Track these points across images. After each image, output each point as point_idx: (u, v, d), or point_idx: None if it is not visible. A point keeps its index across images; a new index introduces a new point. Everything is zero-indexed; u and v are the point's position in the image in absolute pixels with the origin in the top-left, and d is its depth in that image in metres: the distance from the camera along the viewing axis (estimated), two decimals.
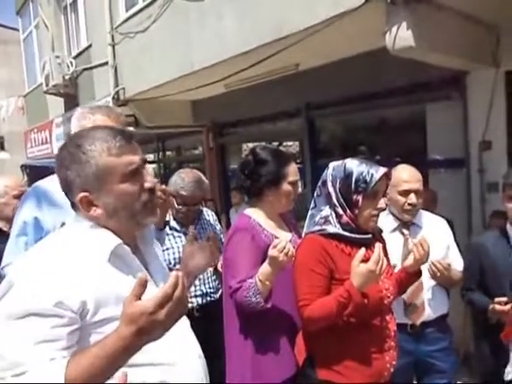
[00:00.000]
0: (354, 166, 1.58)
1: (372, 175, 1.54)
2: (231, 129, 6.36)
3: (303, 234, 1.71)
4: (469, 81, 3.53)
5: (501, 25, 3.21)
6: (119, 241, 1.03)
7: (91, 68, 6.93)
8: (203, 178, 2.45)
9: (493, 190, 3.35)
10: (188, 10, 4.39)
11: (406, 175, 2.09)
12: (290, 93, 4.81)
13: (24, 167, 9.00)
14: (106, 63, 6.00)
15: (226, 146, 6.60)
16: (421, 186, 2.10)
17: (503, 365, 1.83)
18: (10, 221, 2.36)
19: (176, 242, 2.39)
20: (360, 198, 1.55)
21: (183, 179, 2.36)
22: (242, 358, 1.76)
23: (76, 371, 0.86)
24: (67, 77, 7.52)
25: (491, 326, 1.88)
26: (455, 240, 2.25)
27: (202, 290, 2.40)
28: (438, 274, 1.96)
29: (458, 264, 2.14)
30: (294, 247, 1.65)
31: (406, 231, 2.11)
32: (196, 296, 2.38)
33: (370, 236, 1.62)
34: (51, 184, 1.73)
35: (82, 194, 1.01)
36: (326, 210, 1.62)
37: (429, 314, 2.07)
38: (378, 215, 1.61)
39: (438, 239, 2.05)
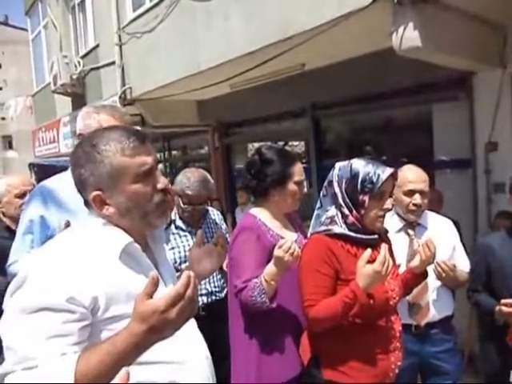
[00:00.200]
0: (361, 166, 1.58)
1: (378, 176, 1.54)
2: (237, 128, 6.37)
3: (309, 234, 1.71)
4: (475, 81, 3.51)
5: (507, 25, 3.19)
6: (130, 239, 1.05)
7: (98, 68, 6.96)
8: (209, 177, 2.46)
9: (499, 191, 3.33)
10: (195, 10, 4.41)
11: (411, 175, 2.09)
12: (295, 93, 4.81)
13: (32, 166, 9.07)
14: (113, 63, 6.04)
15: (232, 146, 6.61)
16: (426, 186, 2.10)
17: (509, 366, 1.83)
18: (14, 219, 2.40)
19: (182, 242, 2.40)
20: (366, 198, 1.55)
21: (189, 178, 2.37)
22: (247, 358, 1.77)
23: (86, 367, 0.87)
24: (75, 76, 7.56)
25: (497, 328, 1.87)
26: (461, 241, 2.24)
27: (207, 289, 2.42)
28: (444, 274, 1.95)
29: (464, 265, 2.13)
30: (299, 247, 1.66)
31: (411, 232, 2.11)
32: (201, 295, 2.39)
33: (376, 236, 1.62)
34: (56, 183, 1.75)
35: (96, 193, 1.03)
36: (332, 211, 1.62)
37: (433, 314, 2.07)
38: (384, 216, 1.61)
39: (443, 240, 2.04)
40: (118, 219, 1.05)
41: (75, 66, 7.59)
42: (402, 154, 4.12)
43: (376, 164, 1.59)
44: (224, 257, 1.48)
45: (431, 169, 3.26)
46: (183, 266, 2.21)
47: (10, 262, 1.73)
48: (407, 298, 1.95)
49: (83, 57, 7.64)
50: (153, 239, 1.18)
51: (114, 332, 0.91)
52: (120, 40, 5.84)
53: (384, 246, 1.51)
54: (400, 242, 2.03)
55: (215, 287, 2.44)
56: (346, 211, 1.58)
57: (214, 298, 2.43)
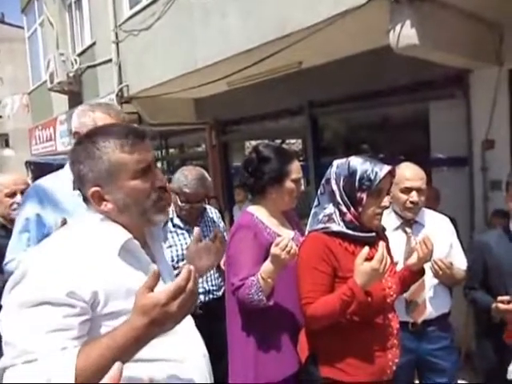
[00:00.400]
0: (358, 163, 1.58)
1: (376, 173, 1.54)
2: (234, 126, 6.36)
3: (306, 232, 1.71)
4: (472, 79, 3.52)
5: (504, 23, 3.19)
6: (129, 235, 1.05)
7: (95, 65, 6.94)
8: (206, 175, 2.45)
9: (496, 189, 3.34)
10: (192, 8, 4.39)
11: (408, 173, 2.09)
12: (292, 91, 4.80)
13: (28, 164, 9.04)
14: (110, 61, 6.02)
15: (229, 144, 6.61)
16: (423, 184, 2.10)
17: (505, 364, 1.84)
18: (5, 218, 2.40)
19: (179, 240, 2.40)
20: (364, 195, 1.56)
21: (186, 177, 2.36)
22: (244, 355, 1.77)
23: (86, 361, 0.87)
24: (71, 74, 7.54)
25: (493, 325, 1.88)
26: (458, 238, 2.25)
27: (204, 288, 2.42)
28: (441, 272, 1.96)
29: (461, 262, 2.14)
30: (296, 245, 1.66)
31: (408, 229, 2.12)
32: (199, 293, 2.38)
33: (373, 234, 1.62)
34: (51, 182, 1.75)
35: (94, 189, 1.03)
36: (330, 208, 1.62)
37: (430, 312, 2.07)
38: (381, 213, 1.62)
39: (440, 237, 2.05)
40: (117, 215, 1.06)
41: (72, 64, 7.57)
42: (399, 152, 4.13)
43: (374, 162, 1.59)
44: (222, 253, 1.48)
45: (428, 166, 3.26)
46: (181, 263, 2.21)
47: (6, 260, 1.73)
48: (404, 295, 1.96)
49: (80, 54, 7.61)
50: (151, 237, 1.18)
51: (112, 328, 0.91)
52: (117, 37, 5.82)
53: (382, 244, 1.51)
54: (397, 240, 2.04)
55: (213, 286, 2.45)
56: (344, 209, 1.59)
57: (211, 296, 2.43)
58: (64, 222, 1.41)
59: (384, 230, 1.75)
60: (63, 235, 1.07)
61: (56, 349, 0.88)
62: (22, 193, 2.45)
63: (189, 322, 1.16)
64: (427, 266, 1.85)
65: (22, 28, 11.49)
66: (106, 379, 0.78)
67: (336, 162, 1.66)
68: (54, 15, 8.44)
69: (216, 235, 1.42)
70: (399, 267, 1.84)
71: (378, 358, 1.58)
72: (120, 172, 1.03)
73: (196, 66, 4.37)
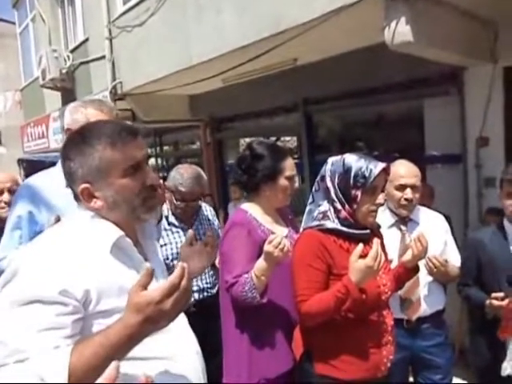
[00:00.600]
0: (353, 161, 1.58)
1: (371, 170, 1.54)
2: (229, 124, 6.34)
3: (301, 229, 1.71)
4: (467, 76, 3.53)
5: (498, 20, 3.20)
6: (121, 232, 1.04)
7: (88, 62, 6.88)
8: (202, 173, 2.44)
9: (490, 186, 3.36)
10: (186, 4, 4.36)
11: (402, 170, 2.09)
12: (287, 88, 4.80)
13: (21, 161, 8.96)
14: (103, 57, 5.97)
15: (224, 141, 6.59)
16: (418, 181, 2.11)
17: (499, 360, 1.85)
18: None
19: (174, 238, 2.39)
20: (359, 193, 1.56)
21: (182, 175, 2.35)
22: (238, 353, 1.77)
23: (79, 359, 0.86)
24: (64, 71, 7.46)
25: (487, 322, 1.89)
26: (452, 235, 2.26)
27: (198, 286, 2.41)
28: (435, 270, 1.96)
29: (455, 259, 2.15)
30: (290, 242, 1.66)
31: (403, 227, 2.12)
32: (193, 292, 2.38)
33: (368, 231, 1.62)
34: (40, 181, 1.73)
35: (84, 186, 1.03)
36: (325, 205, 1.62)
37: (425, 309, 2.08)
38: (376, 210, 1.62)
39: (435, 235, 2.05)
40: (107, 213, 1.05)
41: (64, 61, 7.50)
42: (393, 149, 4.14)
43: (368, 159, 1.59)
44: (214, 256, 1.47)
45: (423, 164, 3.27)
46: (175, 262, 2.20)
47: None
48: (399, 292, 1.96)
49: (72, 51, 7.54)
50: (143, 235, 1.17)
51: (105, 326, 0.91)
52: (110, 34, 5.77)
53: (376, 241, 1.51)
54: (392, 237, 2.04)
55: (207, 283, 2.44)
56: (339, 206, 1.58)
57: (205, 294, 2.42)
58: (58, 219, 1.39)
59: (379, 227, 1.75)
60: (54, 233, 1.06)
61: (48, 348, 0.87)
62: (10, 191, 2.43)
63: (182, 319, 1.15)
64: (421, 264, 1.86)
65: (13, 23, 11.36)
66: (102, 378, 0.77)
67: (331, 160, 1.66)
68: (45, 10, 8.35)
69: (207, 241, 1.41)
70: (394, 265, 1.84)
71: (372, 354, 1.58)
72: (110, 169, 1.02)
73: (190, 63, 4.35)
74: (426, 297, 2.09)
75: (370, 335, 1.59)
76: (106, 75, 5.86)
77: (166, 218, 2.42)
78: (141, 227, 1.15)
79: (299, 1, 3.19)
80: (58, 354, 0.87)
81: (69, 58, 7.47)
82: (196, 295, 2.39)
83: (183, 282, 0.90)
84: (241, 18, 3.74)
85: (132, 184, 1.04)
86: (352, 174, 1.56)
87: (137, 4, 5.10)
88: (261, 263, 1.62)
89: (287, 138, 5.90)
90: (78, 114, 1.70)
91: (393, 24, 2.68)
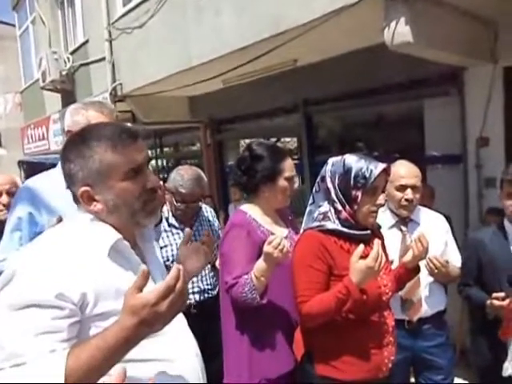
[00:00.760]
0: (353, 161, 1.58)
1: (371, 171, 1.54)
2: (229, 125, 6.34)
3: (301, 230, 1.71)
4: (467, 77, 3.52)
5: (498, 20, 3.20)
6: (119, 236, 1.04)
7: (88, 64, 6.89)
8: (202, 174, 2.44)
9: (490, 186, 3.36)
10: (186, 5, 4.36)
11: (403, 171, 2.09)
12: (287, 89, 4.80)
13: (21, 163, 8.97)
14: (103, 59, 5.97)
15: (224, 143, 6.59)
16: (418, 181, 2.10)
17: (500, 360, 1.84)
18: None
19: (174, 239, 2.39)
20: (359, 193, 1.55)
21: (182, 176, 2.35)
22: (238, 354, 1.77)
23: (76, 363, 0.86)
24: (64, 72, 7.47)
25: (488, 322, 1.88)
26: (453, 235, 2.25)
27: (199, 287, 2.41)
28: (436, 270, 1.96)
29: (456, 260, 2.15)
30: (290, 243, 1.65)
31: (404, 228, 2.12)
32: (194, 293, 2.38)
33: (368, 232, 1.62)
34: (41, 181, 1.73)
35: (84, 189, 1.02)
36: (325, 206, 1.62)
37: (426, 310, 2.08)
38: (377, 211, 1.61)
39: (435, 235, 2.05)
40: (106, 216, 1.04)
41: (64, 62, 7.51)
42: (393, 150, 4.13)
43: (369, 159, 1.59)
44: (211, 255, 1.47)
45: (423, 164, 3.26)
46: (175, 263, 2.19)
47: None
48: (400, 293, 1.96)
49: (72, 53, 7.55)
50: (142, 238, 1.17)
51: (102, 329, 0.90)
52: (110, 35, 5.78)
53: (377, 242, 1.51)
54: (393, 238, 2.04)
55: (207, 285, 2.44)
56: (339, 207, 1.58)
57: (206, 295, 2.42)
58: (60, 220, 1.39)
59: (379, 227, 1.74)
60: (53, 235, 1.05)
61: (45, 351, 0.87)
62: (9, 193, 2.43)
63: (181, 321, 1.15)
64: (422, 264, 1.85)
65: (13, 26, 11.37)
66: (110, 379, 0.77)
67: (331, 160, 1.66)
68: (45, 12, 8.36)
69: (205, 240, 1.41)
70: (394, 265, 1.84)
71: (373, 355, 1.58)
72: (111, 173, 1.02)
73: (190, 64, 4.35)
74: (426, 297, 2.08)
75: (371, 336, 1.59)
76: (105, 77, 5.86)
77: (167, 219, 2.42)
78: (140, 231, 1.15)
79: (299, 1, 3.19)
80: (54, 357, 0.87)
81: (69, 60, 7.48)
82: (197, 296, 2.39)
83: (179, 284, 0.90)
84: (240, 19, 3.74)
85: (132, 187, 1.04)
86: (352, 175, 1.56)
87: (136, 6, 5.11)
88: (260, 264, 1.62)
89: (287, 139, 5.90)
90: (79, 116, 1.70)
91: (392, 24, 2.68)
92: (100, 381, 0.89)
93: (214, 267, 2.39)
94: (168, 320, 0.92)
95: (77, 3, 7.40)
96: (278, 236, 1.62)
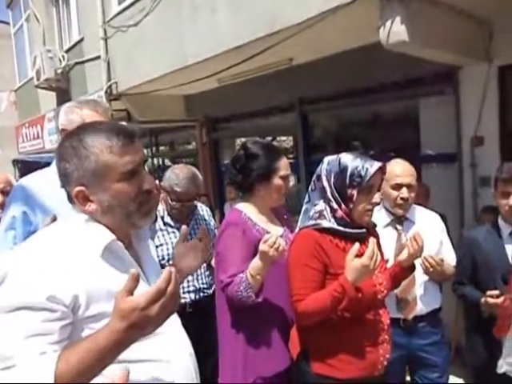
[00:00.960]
0: (349, 160, 1.58)
1: (367, 169, 1.54)
2: (224, 124, 6.33)
3: (297, 229, 1.71)
4: (462, 76, 3.54)
5: (494, 20, 3.21)
6: (113, 236, 1.03)
7: (83, 62, 6.85)
8: (197, 173, 2.43)
9: (485, 185, 3.37)
10: (181, 4, 4.35)
11: (398, 169, 2.10)
12: (283, 87, 4.79)
13: (15, 162, 8.91)
14: (99, 57, 5.95)
15: (220, 141, 6.58)
16: (413, 180, 2.11)
17: (495, 358, 1.85)
18: None
19: (170, 238, 2.38)
20: (355, 192, 1.55)
21: (177, 175, 2.34)
22: (234, 352, 1.77)
23: (66, 365, 0.85)
24: (59, 71, 7.43)
25: (483, 320, 1.89)
26: (448, 234, 2.26)
27: (195, 286, 2.40)
28: (431, 269, 1.97)
29: (451, 258, 2.15)
30: (285, 242, 1.65)
31: (399, 226, 2.12)
32: (189, 292, 2.38)
33: (364, 230, 1.62)
34: (36, 180, 1.73)
35: (78, 189, 1.01)
36: (321, 205, 1.62)
37: (421, 308, 2.08)
38: (372, 210, 1.62)
39: (431, 234, 2.06)
40: (101, 216, 1.04)
41: (59, 61, 7.46)
42: (389, 149, 4.14)
43: (364, 158, 1.59)
44: (208, 252, 1.47)
45: (418, 163, 3.28)
46: (171, 262, 2.19)
47: None
48: (395, 291, 1.96)
49: (67, 51, 7.51)
50: (136, 237, 1.16)
51: (94, 331, 0.90)
52: (105, 34, 5.75)
53: (372, 240, 1.51)
54: (388, 237, 2.04)
55: (203, 284, 2.43)
56: (335, 205, 1.58)
57: (201, 294, 2.42)
58: (54, 219, 1.38)
59: (375, 226, 1.75)
60: (46, 236, 1.04)
61: (35, 354, 0.86)
62: (3, 192, 2.41)
63: (175, 321, 1.14)
64: (417, 263, 1.86)
65: (7, 24, 11.30)
66: (111, 379, 0.77)
67: (327, 159, 1.66)
68: (40, 10, 8.31)
69: (202, 236, 1.41)
70: (390, 264, 1.84)
71: (369, 353, 1.58)
72: (107, 174, 1.01)
73: (186, 63, 4.34)
74: (422, 296, 2.09)
75: (367, 334, 1.59)
76: (101, 75, 5.84)
77: (162, 218, 2.41)
78: (135, 229, 1.14)
79: (294, 0, 3.19)
80: (44, 360, 0.86)
81: (64, 58, 7.44)
82: (192, 295, 2.39)
83: (170, 288, 0.89)
84: (236, 18, 3.74)
85: (128, 189, 1.03)
86: (348, 174, 1.56)
87: (132, 4, 5.09)
88: (256, 262, 1.62)
89: (283, 138, 5.90)
90: (73, 115, 1.70)
91: (388, 23, 2.68)
92: (103, 382, 0.89)
93: (209, 266, 2.38)
94: (159, 323, 0.91)
95: (72, 1, 7.36)
96: (274, 234, 1.62)
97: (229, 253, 1.73)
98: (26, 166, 7.96)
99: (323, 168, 1.64)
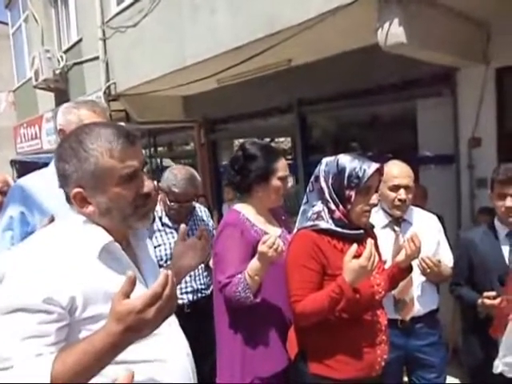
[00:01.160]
0: (347, 161, 1.58)
1: (365, 171, 1.55)
2: (223, 125, 6.34)
3: (295, 230, 1.71)
4: (459, 78, 3.55)
5: (491, 22, 3.23)
6: (110, 238, 1.03)
7: (82, 62, 6.85)
8: (195, 174, 2.44)
9: (482, 186, 3.38)
10: (180, 4, 4.35)
11: (396, 171, 2.10)
12: (282, 88, 4.80)
13: (13, 162, 8.90)
14: (97, 58, 5.94)
15: (218, 142, 6.58)
16: (411, 181, 2.11)
17: (492, 358, 1.86)
18: None
19: (168, 239, 2.38)
20: (353, 193, 1.56)
21: (176, 176, 2.34)
22: (232, 353, 1.77)
23: (63, 367, 0.86)
24: (57, 71, 7.43)
25: (479, 321, 1.90)
26: (445, 235, 2.27)
27: (192, 287, 2.40)
28: (428, 270, 1.97)
29: (448, 259, 2.16)
30: (283, 243, 1.66)
31: (397, 228, 2.13)
32: (187, 292, 2.38)
33: (362, 232, 1.62)
34: (33, 181, 1.73)
35: (77, 190, 1.01)
36: (319, 206, 1.62)
37: (418, 309, 2.09)
38: (370, 211, 1.62)
39: (428, 235, 2.06)
40: (99, 218, 1.04)
41: (58, 61, 7.46)
42: (387, 150, 4.15)
43: (362, 159, 1.59)
44: (207, 250, 1.47)
45: (416, 164, 3.29)
46: (169, 263, 2.19)
47: None
48: (393, 292, 1.97)
49: (66, 51, 7.50)
50: (135, 236, 1.16)
51: (91, 332, 0.90)
52: (104, 34, 5.75)
53: (370, 241, 1.51)
54: (386, 238, 2.05)
55: (201, 284, 2.43)
56: (333, 206, 1.59)
57: (199, 295, 2.42)
58: (52, 220, 1.38)
59: (372, 227, 1.75)
60: (43, 237, 1.04)
61: (31, 355, 0.86)
62: (0, 192, 2.41)
63: (172, 322, 1.14)
64: (415, 264, 1.86)
65: (6, 24, 11.28)
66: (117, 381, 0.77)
67: (325, 160, 1.66)
68: (38, 11, 8.30)
69: (201, 234, 1.41)
70: (387, 265, 1.85)
71: (366, 354, 1.58)
72: (105, 177, 1.00)
73: (184, 64, 4.34)
74: (419, 297, 2.09)
75: (364, 335, 1.60)
76: (99, 76, 5.84)
77: (160, 218, 2.41)
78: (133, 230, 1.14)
79: (294, 1, 3.19)
80: (40, 361, 0.86)
81: (62, 59, 7.43)
82: (190, 296, 2.39)
83: (166, 291, 0.89)
84: (235, 19, 3.74)
85: (126, 192, 1.03)
86: (346, 175, 1.57)
87: (131, 4, 5.09)
88: (254, 263, 1.62)
89: (281, 139, 5.91)
90: (71, 115, 1.70)
91: (386, 25, 2.69)
92: (106, 382, 0.89)
93: (207, 267, 2.38)
94: (156, 326, 0.91)
95: (70, 2, 7.36)
96: (273, 235, 1.62)
97: (227, 253, 1.73)
98: (24, 167, 7.95)
99: (321, 169, 1.64)
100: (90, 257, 1.00)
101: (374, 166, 1.57)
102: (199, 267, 2.32)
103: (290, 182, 1.91)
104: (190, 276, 2.35)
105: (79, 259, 0.98)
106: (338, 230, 1.58)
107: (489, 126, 3.40)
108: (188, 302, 2.36)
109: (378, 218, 2.06)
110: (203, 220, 2.56)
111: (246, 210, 1.84)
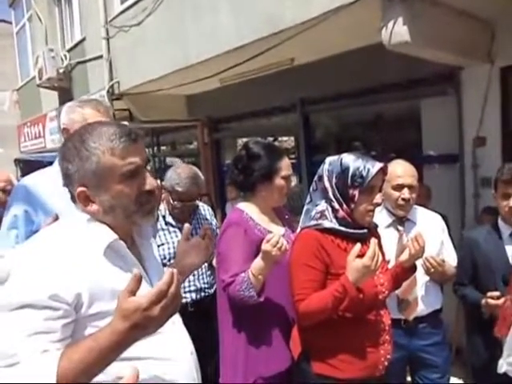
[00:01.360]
0: (351, 160, 1.58)
1: (368, 170, 1.55)
2: (226, 124, 6.34)
3: (299, 229, 1.71)
4: (464, 77, 3.53)
5: (496, 21, 3.21)
6: (115, 236, 1.04)
7: (85, 61, 6.87)
8: (199, 173, 2.44)
9: (486, 186, 3.36)
10: (183, 4, 4.36)
11: (399, 170, 2.10)
12: (285, 88, 4.79)
13: (17, 161, 8.94)
14: (101, 57, 5.96)
15: (221, 141, 6.58)
16: (415, 181, 2.11)
17: (496, 358, 1.85)
18: None
19: (171, 238, 2.39)
20: (356, 192, 1.56)
21: (179, 175, 2.35)
22: (235, 352, 1.77)
23: (69, 363, 0.86)
24: (61, 70, 7.45)
25: (483, 321, 1.89)
26: (449, 235, 2.26)
27: (196, 286, 2.41)
28: (432, 270, 1.97)
29: (452, 259, 2.16)
30: (287, 242, 1.66)
31: (400, 227, 2.12)
32: (190, 291, 2.38)
33: (365, 231, 1.63)
34: (37, 179, 1.73)
35: (80, 189, 1.02)
36: (322, 205, 1.62)
37: (422, 309, 2.08)
38: (374, 210, 1.62)
39: (432, 235, 2.06)
40: (103, 216, 1.05)
41: (61, 60, 7.48)
42: (391, 149, 4.14)
43: (366, 159, 1.59)
44: (211, 249, 1.47)
45: (420, 163, 3.28)
46: (172, 261, 2.20)
47: None
48: (396, 292, 1.96)
49: (69, 50, 7.52)
50: (139, 234, 1.17)
51: (97, 329, 0.91)
52: (107, 33, 5.77)
53: (373, 241, 1.51)
54: (389, 237, 2.04)
55: (204, 283, 2.44)
56: (336, 205, 1.59)
57: (203, 294, 2.42)
58: (56, 218, 1.39)
59: (376, 226, 1.75)
60: (48, 235, 1.05)
61: (37, 352, 0.87)
62: (4, 190, 2.43)
63: (176, 320, 1.15)
64: (418, 263, 1.86)
65: (10, 23, 11.32)
66: (122, 380, 0.77)
67: (328, 159, 1.66)
68: (42, 10, 8.32)
69: (205, 233, 1.41)
70: (391, 264, 1.84)
71: (370, 353, 1.58)
72: (108, 175, 1.02)
73: (188, 63, 4.34)
74: (423, 296, 2.09)
75: (368, 334, 1.60)
76: (103, 75, 5.85)
77: (164, 217, 2.42)
78: (137, 228, 1.15)
79: (296, 0, 3.19)
80: (47, 358, 0.87)
81: (66, 58, 7.45)
82: (193, 295, 2.39)
83: (172, 289, 0.90)
84: (238, 18, 3.74)
85: (129, 190, 1.04)
86: (350, 174, 1.56)
87: (134, 4, 5.10)
88: (258, 262, 1.62)
89: (285, 138, 5.90)
90: (75, 114, 1.70)
91: (390, 24, 2.68)
92: (112, 381, 0.90)
93: (210, 266, 2.39)
94: (161, 323, 0.92)
95: (74, 1, 7.38)
96: (276, 234, 1.62)
97: (230, 252, 1.73)
98: (28, 165, 7.98)
99: (325, 168, 1.64)
100: (96, 254, 1.01)
101: (378, 165, 1.57)
102: (203, 266, 2.32)
103: (294, 181, 1.91)
104: (194, 275, 2.35)
105: (84, 256, 0.99)
106: (342, 229, 1.58)
107: (493, 126, 3.38)
108: (191, 300, 2.36)
109: (381, 217, 2.06)
110: (207, 219, 2.56)
111: (249, 209, 1.84)
